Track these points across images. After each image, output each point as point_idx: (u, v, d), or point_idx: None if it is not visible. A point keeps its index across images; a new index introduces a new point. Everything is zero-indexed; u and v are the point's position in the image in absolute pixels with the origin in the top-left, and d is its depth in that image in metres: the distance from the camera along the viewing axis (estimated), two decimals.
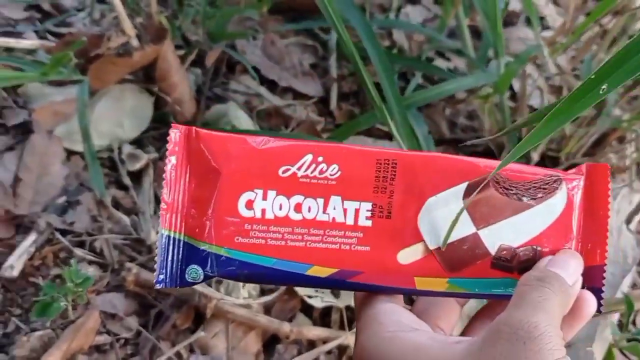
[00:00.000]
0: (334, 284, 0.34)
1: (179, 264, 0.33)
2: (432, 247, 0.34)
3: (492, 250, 0.34)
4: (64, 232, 0.66)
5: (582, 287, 0.33)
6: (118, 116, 0.76)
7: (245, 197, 0.33)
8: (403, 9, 1.09)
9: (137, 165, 0.73)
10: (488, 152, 0.83)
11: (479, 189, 0.33)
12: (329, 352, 0.62)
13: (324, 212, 0.33)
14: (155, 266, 0.33)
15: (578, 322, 0.33)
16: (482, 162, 0.34)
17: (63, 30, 0.88)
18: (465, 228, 0.34)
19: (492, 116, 0.83)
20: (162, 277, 0.33)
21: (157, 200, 0.70)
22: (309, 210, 0.33)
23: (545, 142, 0.83)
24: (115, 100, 0.77)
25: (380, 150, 0.34)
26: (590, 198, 0.34)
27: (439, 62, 0.97)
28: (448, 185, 0.34)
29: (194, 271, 0.33)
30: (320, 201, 0.33)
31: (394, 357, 0.31)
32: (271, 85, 0.87)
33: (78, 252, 0.64)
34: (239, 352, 0.61)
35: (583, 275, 0.33)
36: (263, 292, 0.65)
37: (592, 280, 0.34)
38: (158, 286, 0.33)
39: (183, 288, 0.34)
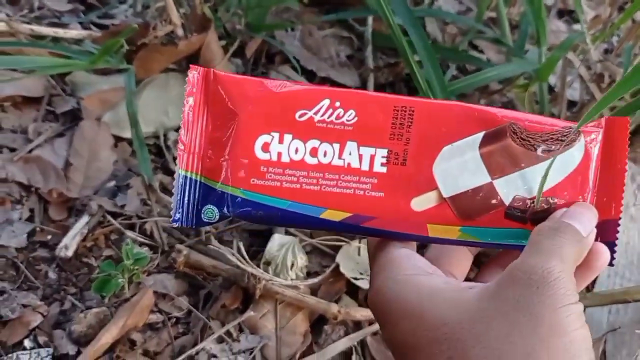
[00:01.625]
0: (348, 228, 0.34)
1: (196, 203, 0.33)
2: (446, 195, 0.34)
3: (507, 201, 0.34)
4: (114, 215, 0.67)
5: (596, 240, 0.33)
6: (163, 104, 0.78)
7: (262, 139, 0.33)
8: (436, 2, 1.10)
9: None
10: None
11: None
12: (374, 334, 0.62)
13: (339, 157, 0.33)
14: (172, 205, 0.33)
15: (591, 273, 0.33)
16: (500, 112, 0.34)
17: (106, 22, 0.90)
18: (480, 177, 0.33)
19: (530, 106, 0.83)
20: (178, 216, 0.33)
21: None
22: (325, 155, 0.33)
23: (600, 111, 0.83)
24: (160, 88, 0.79)
25: (398, 97, 0.34)
26: (609, 152, 0.34)
27: (473, 55, 0.97)
28: (465, 134, 0.33)
29: (210, 211, 0.33)
30: (336, 146, 0.33)
31: (409, 298, 0.31)
32: (309, 75, 0.88)
33: (129, 234, 0.65)
34: (287, 332, 0.62)
35: (597, 228, 0.33)
36: (309, 274, 0.66)
37: (606, 233, 0.34)
38: (175, 225, 0.33)
39: (200, 227, 0.34)
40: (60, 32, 0.81)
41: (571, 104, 0.91)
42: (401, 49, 0.62)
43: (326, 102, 0.33)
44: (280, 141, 0.33)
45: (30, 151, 0.71)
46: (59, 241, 0.64)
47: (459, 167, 0.33)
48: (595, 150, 0.34)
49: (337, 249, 0.67)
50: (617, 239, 0.34)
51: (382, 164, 0.33)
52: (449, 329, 0.29)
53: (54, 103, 0.77)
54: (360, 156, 0.33)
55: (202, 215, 0.34)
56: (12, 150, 0.71)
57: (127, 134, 0.74)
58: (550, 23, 1.16)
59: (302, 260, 0.65)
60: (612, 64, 0.75)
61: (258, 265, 0.64)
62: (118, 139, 0.75)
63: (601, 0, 1.08)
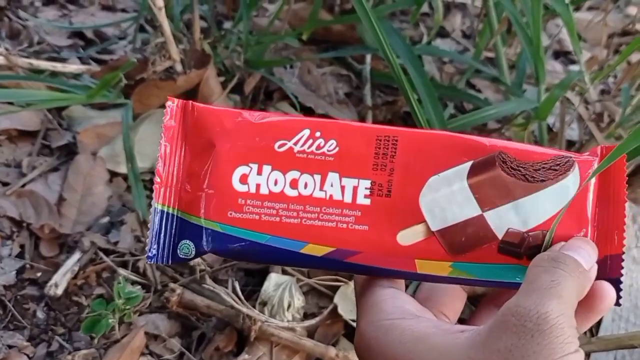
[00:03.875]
0: (331, 264, 0.32)
1: (172, 239, 0.32)
2: (434, 228, 0.32)
3: (500, 234, 0.32)
4: (107, 252, 0.66)
5: (599, 278, 0.31)
6: (160, 139, 0.77)
7: (240, 171, 0.32)
8: (433, 42, 1.11)
9: None
10: None
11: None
12: None
13: (320, 188, 0.32)
14: (147, 241, 0.32)
15: (594, 315, 0.31)
16: (488, 141, 0.32)
17: (105, 57, 0.90)
18: (470, 209, 0.32)
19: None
20: (154, 252, 0.32)
21: None
22: (305, 187, 0.32)
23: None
24: (157, 123, 0.78)
25: (381, 127, 0.33)
26: (606, 182, 0.32)
27: (471, 93, 0.97)
28: (451, 163, 0.32)
29: (186, 246, 0.32)
30: (317, 177, 0.32)
31: (392, 346, 0.29)
32: (308, 112, 0.88)
33: (121, 272, 0.63)
34: None
35: (599, 264, 0.31)
36: (306, 316, 0.64)
37: (610, 270, 0.32)
38: (149, 261, 0.32)
39: (176, 264, 0.33)
40: (58, 66, 0.81)
41: (570, 143, 0.90)
42: (401, 86, 0.62)
43: (306, 132, 0.32)
44: (259, 172, 0.32)
45: (23, 185, 0.70)
46: (49, 279, 0.62)
47: (447, 199, 0.32)
48: (591, 181, 0.32)
49: (335, 289, 0.65)
50: (622, 275, 0.32)
51: (366, 196, 0.32)
52: None
53: (49, 137, 0.76)
54: (343, 187, 0.32)
55: (178, 251, 0.32)
56: (5, 184, 0.70)
57: (123, 169, 0.73)
58: (546, 64, 1.18)
59: (299, 300, 0.63)
60: (611, 104, 0.75)
61: (254, 306, 0.62)
62: (113, 174, 0.74)
63: (597, 42, 1.09)
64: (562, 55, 1.22)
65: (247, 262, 0.64)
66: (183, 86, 0.79)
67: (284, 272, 0.66)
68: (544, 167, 0.32)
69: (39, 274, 0.63)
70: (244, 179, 0.32)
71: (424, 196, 0.32)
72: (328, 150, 0.32)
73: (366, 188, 0.32)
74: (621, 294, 0.32)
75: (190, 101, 0.33)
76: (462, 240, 0.32)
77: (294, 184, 0.32)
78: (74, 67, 0.81)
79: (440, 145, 0.32)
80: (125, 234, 0.67)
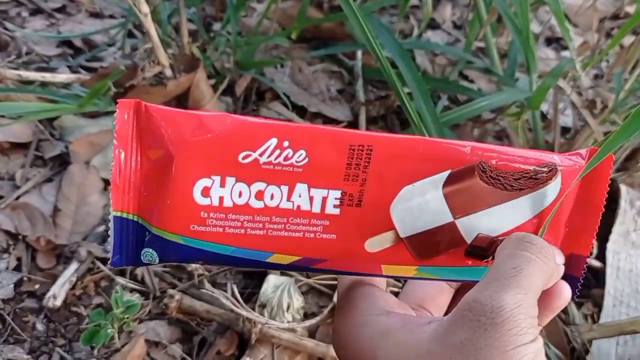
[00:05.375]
0: (298, 269, 0.32)
1: (134, 245, 0.31)
2: (403, 235, 0.31)
3: (468, 239, 0.32)
4: (104, 261, 0.65)
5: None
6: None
7: (201, 183, 0.30)
8: (424, 35, 1.10)
9: None
10: None
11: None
12: None
13: (288, 199, 0.31)
14: (108, 247, 0.31)
15: (549, 312, 0.31)
16: (471, 148, 0.31)
17: (95, 64, 0.89)
18: (442, 216, 0.31)
19: (524, 134, 0.82)
20: (117, 258, 0.31)
21: None
22: (272, 198, 0.30)
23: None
24: None
25: (355, 134, 0.30)
26: (587, 185, 0.32)
27: (464, 84, 0.97)
28: (428, 172, 0.31)
29: (149, 254, 0.31)
30: (285, 188, 0.30)
31: (362, 342, 0.30)
32: (300, 111, 0.88)
33: (119, 280, 0.63)
34: None
35: (566, 262, 0.32)
36: (306, 315, 0.64)
37: (572, 268, 0.32)
38: (114, 266, 0.31)
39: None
40: (48, 76, 0.80)
41: (565, 130, 0.90)
42: (391, 81, 0.61)
43: (273, 141, 0.30)
44: (222, 185, 0.30)
45: (17, 198, 0.69)
46: (47, 290, 0.62)
47: (419, 208, 0.31)
48: (572, 185, 0.32)
49: (334, 288, 0.65)
50: (582, 276, 0.32)
51: (335, 206, 0.31)
52: None
53: (42, 148, 0.76)
54: (311, 198, 0.31)
55: (142, 257, 0.31)
56: None
57: None
58: (538, 51, 1.17)
59: (298, 301, 0.63)
60: (604, 90, 0.75)
61: (253, 308, 0.62)
62: (107, 183, 0.73)
63: (588, 27, 1.09)
64: (554, 41, 1.22)
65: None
66: (174, 91, 0.78)
67: (282, 273, 0.66)
68: (524, 177, 0.31)
69: (37, 286, 0.63)
70: (205, 192, 0.30)
71: (395, 206, 0.31)
72: (297, 162, 0.30)
73: (336, 198, 0.31)
74: (578, 291, 0.32)
75: (143, 102, 0.30)
76: (430, 245, 0.32)
77: (259, 196, 0.30)
78: (63, 76, 0.81)
79: (418, 154, 0.31)
80: None
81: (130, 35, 0.92)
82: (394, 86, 0.62)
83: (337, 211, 0.31)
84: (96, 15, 1.00)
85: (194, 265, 0.66)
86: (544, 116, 0.91)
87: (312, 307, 0.65)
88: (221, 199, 0.30)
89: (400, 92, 0.62)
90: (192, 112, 0.30)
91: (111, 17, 1.01)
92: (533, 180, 0.31)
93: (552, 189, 0.32)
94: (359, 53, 0.96)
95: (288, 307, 0.62)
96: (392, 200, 0.31)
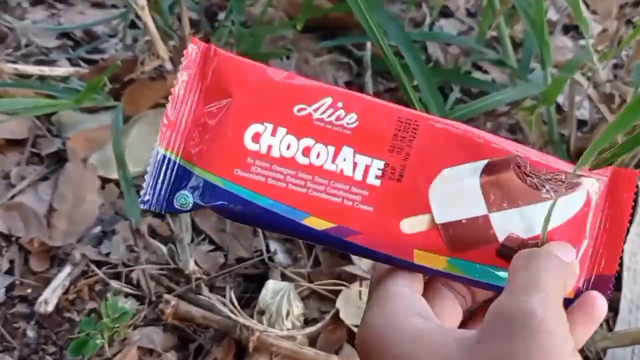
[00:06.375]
0: (329, 240, 0.31)
1: (169, 186, 0.31)
2: (438, 220, 0.31)
3: (501, 237, 0.31)
4: (99, 264, 0.64)
5: None
6: (153, 141, 0.74)
7: (253, 129, 0.31)
8: (437, 23, 1.06)
9: None
10: None
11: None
12: None
13: (332, 161, 0.31)
14: (143, 184, 0.30)
15: (591, 324, 0.30)
16: (508, 145, 0.32)
17: (95, 56, 0.87)
18: (477, 208, 0.31)
19: (538, 128, 0.79)
20: (148, 197, 0.30)
21: (195, 228, 0.68)
22: (318, 157, 0.31)
23: (595, 152, 0.79)
24: (150, 125, 0.76)
25: (404, 109, 0.31)
26: (612, 203, 0.32)
27: (477, 75, 0.93)
28: (468, 159, 0.31)
29: (184, 197, 0.31)
30: (331, 149, 0.31)
31: (391, 339, 0.29)
32: None
33: (114, 284, 0.62)
34: None
35: (590, 283, 0.32)
36: (307, 321, 0.62)
37: (599, 289, 0.32)
38: (142, 206, 0.31)
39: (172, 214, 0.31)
40: (46, 70, 0.78)
41: (581, 123, 0.86)
42: (396, 74, 0.58)
43: (328, 100, 0.31)
44: (273, 134, 0.31)
45: (12, 197, 0.68)
46: (39, 295, 0.60)
47: (457, 194, 0.31)
48: (594, 197, 0.32)
49: (336, 293, 0.63)
50: (610, 296, 0.32)
51: (377, 177, 0.31)
52: None
53: (38, 144, 0.74)
54: (355, 164, 0.31)
55: (175, 201, 0.31)
56: None
57: (115, 174, 0.70)
58: (555, 39, 1.12)
59: (298, 308, 0.61)
60: (622, 84, 0.71)
61: (252, 315, 0.60)
62: (105, 181, 0.71)
63: (607, 14, 1.04)
64: (572, 29, 1.17)
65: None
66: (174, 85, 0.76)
67: (283, 278, 0.63)
68: (555, 178, 0.32)
69: (29, 290, 0.61)
70: (256, 138, 0.31)
71: (434, 187, 0.31)
72: (347, 123, 0.31)
73: (379, 169, 0.31)
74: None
75: (213, 46, 0.31)
76: (463, 237, 0.32)
77: (306, 152, 0.31)
78: (61, 70, 0.79)
79: (460, 138, 0.31)
80: (117, 244, 0.65)
81: (133, 25, 0.90)
82: (400, 81, 0.59)
83: (377, 182, 0.31)
84: (98, 5, 0.97)
85: (191, 268, 0.64)
86: (559, 108, 0.87)
87: (313, 312, 0.63)
88: (269, 147, 0.31)
89: (406, 85, 0.59)
90: (259, 63, 0.31)
91: (114, 6, 0.98)
92: (562, 184, 0.32)
93: (578, 198, 0.32)
94: (369, 44, 0.93)
95: (287, 314, 0.60)
96: (432, 181, 0.31)
